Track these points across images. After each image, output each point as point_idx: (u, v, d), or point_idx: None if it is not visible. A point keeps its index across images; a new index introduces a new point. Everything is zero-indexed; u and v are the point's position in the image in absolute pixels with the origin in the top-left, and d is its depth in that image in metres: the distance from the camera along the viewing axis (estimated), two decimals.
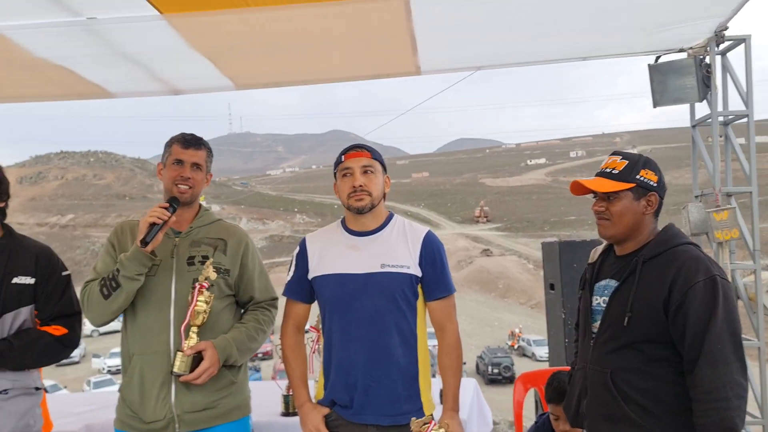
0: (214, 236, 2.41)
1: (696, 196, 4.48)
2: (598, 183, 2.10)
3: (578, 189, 2.17)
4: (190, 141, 2.41)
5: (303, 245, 2.36)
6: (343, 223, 2.35)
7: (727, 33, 4.05)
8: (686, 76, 4.17)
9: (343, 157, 2.29)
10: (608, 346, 2.08)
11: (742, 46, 4.12)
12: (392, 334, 2.19)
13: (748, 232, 4.16)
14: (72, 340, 2.40)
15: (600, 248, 2.30)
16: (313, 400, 2.32)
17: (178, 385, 2.25)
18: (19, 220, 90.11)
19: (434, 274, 2.25)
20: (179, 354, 2.20)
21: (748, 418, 4.28)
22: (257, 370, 32.86)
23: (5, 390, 2.26)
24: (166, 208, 2.24)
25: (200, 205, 2.51)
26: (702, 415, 1.90)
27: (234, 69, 4.20)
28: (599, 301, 2.15)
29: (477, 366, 34.09)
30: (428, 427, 2.04)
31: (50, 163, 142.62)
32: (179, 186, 2.36)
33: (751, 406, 4.33)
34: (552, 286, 4.85)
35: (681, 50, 4.25)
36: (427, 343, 2.29)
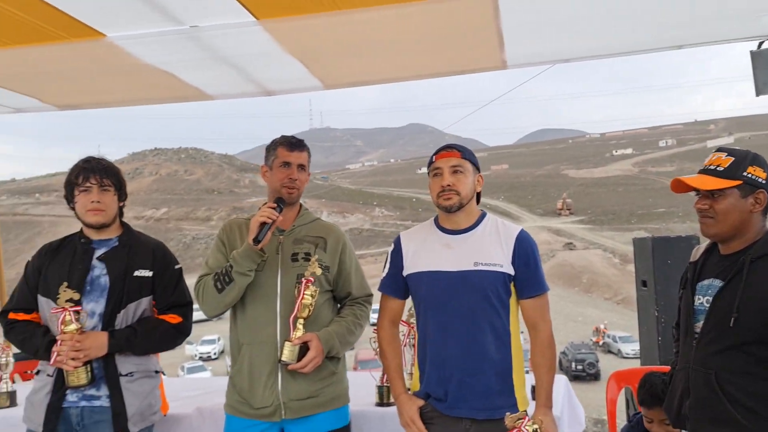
0: (314, 234, 2.54)
1: None
2: (701, 180, 2.05)
3: (679, 186, 2.13)
4: (294, 144, 2.55)
5: (398, 243, 2.43)
6: (437, 221, 2.40)
7: None
8: None
9: (434, 157, 2.35)
10: (712, 347, 2.03)
11: None
12: (486, 331, 2.23)
13: None
14: (186, 328, 2.60)
15: (702, 247, 2.24)
16: (408, 392, 2.40)
17: (285, 374, 2.38)
18: None
19: (527, 273, 2.27)
20: (287, 344, 2.33)
21: None
22: None
23: (130, 373, 2.48)
24: (273, 209, 2.38)
25: (301, 205, 2.64)
26: None
27: (323, 70, 4.33)
28: (702, 300, 2.10)
29: (560, 362, 33.33)
30: (522, 422, 2.07)
31: (145, 159, 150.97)
32: (287, 187, 2.49)
33: None
34: (644, 283, 4.71)
35: None
36: (521, 339, 2.31)
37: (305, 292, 2.34)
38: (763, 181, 2.05)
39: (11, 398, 3.18)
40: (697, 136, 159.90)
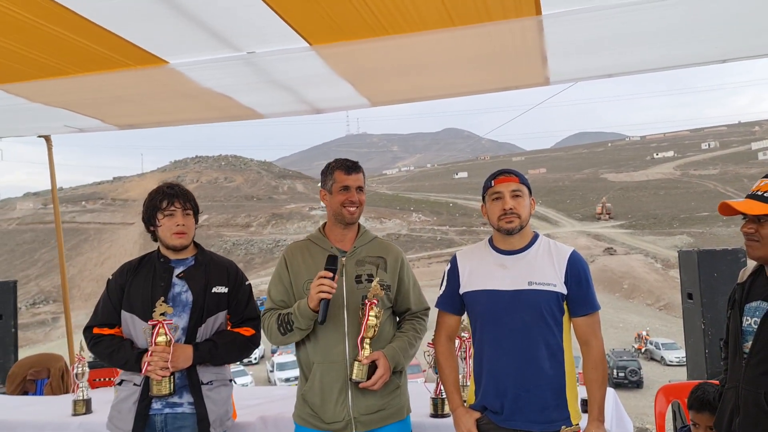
0: (374, 255, 2.66)
1: None
2: (747, 205, 2.13)
3: (727, 210, 2.20)
4: (350, 167, 2.69)
5: (454, 262, 2.55)
6: (491, 242, 2.51)
7: None
8: None
9: (492, 182, 2.46)
10: (761, 367, 2.10)
11: None
12: (540, 347, 2.33)
13: None
14: (258, 339, 2.79)
15: (750, 268, 2.31)
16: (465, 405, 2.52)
17: (354, 391, 2.52)
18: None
19: (579, 292, 2.36)
20: (356, 363, 2.46)
21: None
22: None
23: (210, 381, 2.68)
24: (331, 278, 2.44)
25: (359, 224, 2.77)
26: None
27: (371, 89, 4.50)
28: (750, 321, 2.17)
29: None
30: None
31: (187, 167, 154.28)
32: (348, 209, 2.62)
33: None
34: (690, 296, 4.71)
35: None
36: (573, 355, 2.41)
37: (370, 314, 2.46)
38: None
39: (87, 405, 3.41)
40: (741, 138, 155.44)
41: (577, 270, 2.38)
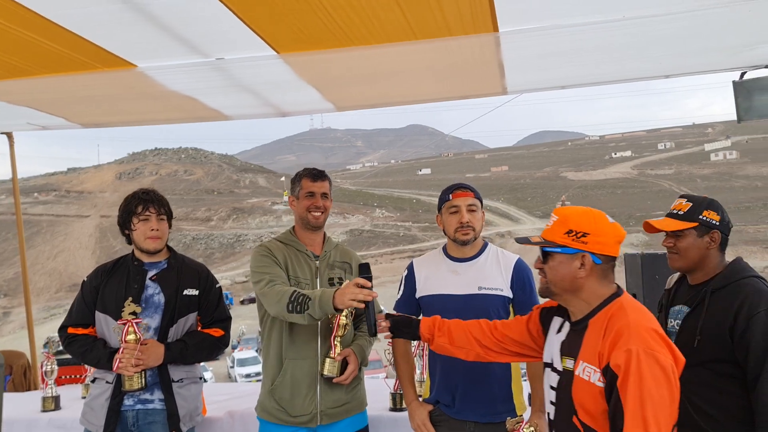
0: (341, 260, 2.85)
1: None
2: (665, 223, 2.41)
3: (650, 228, 2.47)
4: (316, 175, 2.88)
5: (411, 269, 2.73)
6: (445, 250, 2.70)
7: None
8: None
9: (450, 195, 2.64)
10: None
11: None
12: None
13: None
14: (227, 340, 2.92)
15: (675, 276, 2.57)
16: (419, 399, 2.72)
17: (323, 386, 2.68)
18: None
19: (524, 296, 2.58)
20: (329, 360, 2.63)
21: None
22: None
23: (181, 379, 2.80)
24: (368, 287, 2.40)
25: (323, 232, 2.95)
26: (761, 426, 2.14)
27: (336, 95, 4.64)
28: (673, 323, 2.44)
29: None
30: (521, 426, 2.38)
31: (146, 159, 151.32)
32: (313, 213, 2.79)
33: None
34: (634, 296, 5.01)
35: (766, 66, 4.32)
36: None
37: (341, 315, 2.62)
38: (717, 223, 2.39)
39: (56, 402, 3.48)
40: (695, 140, 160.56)
41: (521, 276, 2.59)
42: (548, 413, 2.06)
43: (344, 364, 2.67)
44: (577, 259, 1.92)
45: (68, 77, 4.03)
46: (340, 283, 2.73)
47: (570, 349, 1.94)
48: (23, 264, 6.00)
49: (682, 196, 2.53)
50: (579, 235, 1.92)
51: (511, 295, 2.57)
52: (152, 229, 2.82)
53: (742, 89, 4.42)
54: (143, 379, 2.68)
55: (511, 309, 2.60)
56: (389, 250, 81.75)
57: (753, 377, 2.18)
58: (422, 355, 3.02)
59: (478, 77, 4.37)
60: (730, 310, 2.24)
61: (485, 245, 2.70)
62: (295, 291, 2.56)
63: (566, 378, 1.92)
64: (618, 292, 1.95)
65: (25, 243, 5.98)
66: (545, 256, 1.99)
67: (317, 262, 2.82)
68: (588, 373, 1.83)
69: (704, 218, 2.41)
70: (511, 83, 4.47)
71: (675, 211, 2.46)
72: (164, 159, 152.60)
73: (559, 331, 2.04)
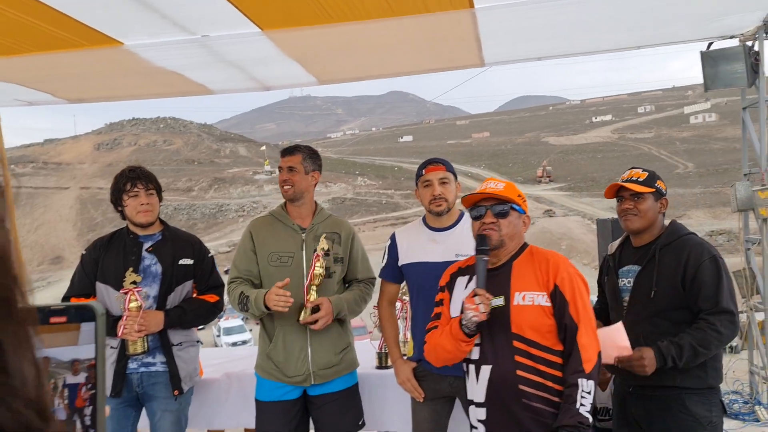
0: (330, 230, 2.99)
1: (744, 175, 4.79)
2: (635, 186, 2.66)
3: (611, 192, 2.68)
4: (285, 151, 3.04)
5: (394, 239, 2.93)
6: (424, 220, 2.90)
7: None
8: (736, 62, 4.45)
9: (423, 170, 2.84)
10: (640, 315, 2.64)
11: None
12: None
13: None
14: (222, 305, 3.11)
15: (615, 243, 2.85)
16: (404, 357, 2.93)
17: (314, 348, 2.88)
18: (98, 185, 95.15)
19: None
20: (304, 308, 2.82)
21: None
22: None
23: (180, 343, 2.99)
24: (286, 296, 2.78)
25: (316, 203, 3.09)
26: (704, 346, 2.47)
27: (318, 69, 4.76)
28: (625, 282, 2.71)
29: None
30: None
31: (123, 129, 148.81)
32: (283, 187, 2.97)
33: None
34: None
35: (732, 37, 4.52)
36: None
37: (316, 264, 2.80)
38: (665, 192, 2.74)
39: None
40: (675, 102, 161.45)
41: None
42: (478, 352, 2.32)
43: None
44: (522, 217, 2.38)
45: (56, 55, 4.11)
46: (327, 255, 2.90)
47: (497, 289, 2.26)
48: (15, 236, 6.08)
49: (634, 167, 2.81)
50: (524, 200, 2.39)
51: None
52: (142, 204, 2.98)
53: (709, 59, 4.62)
54: (146, 344, 2.87)
55: None
56: (372, 218, 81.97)
57: (706, 313, 2.49)
58: (405, 318, 3.22)
59: (456, 50, 4.50)
60: (679, 262, 2.55)
61: (462, 215, 2.89)
62: (241, 293, 2.87)
63: (499, 312, 2.25)
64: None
65: None
66: (502, 213, 2.33)
67: (303, 234, 2.97)
68: (531, 298, 2.23)
69: (658, 186, 2.73)
70: (488, 55, 4.61)
71: (635, 178, 2.72)
72: (142, 129, 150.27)
73: (466, 286, 2.39)
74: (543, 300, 2.24)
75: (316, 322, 2.80)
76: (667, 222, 2.77)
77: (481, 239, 2.32)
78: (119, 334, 2.83)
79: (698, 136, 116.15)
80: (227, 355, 4.05)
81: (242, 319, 38.43)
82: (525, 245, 2.40)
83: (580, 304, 2.22)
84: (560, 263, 2.31)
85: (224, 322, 37.69)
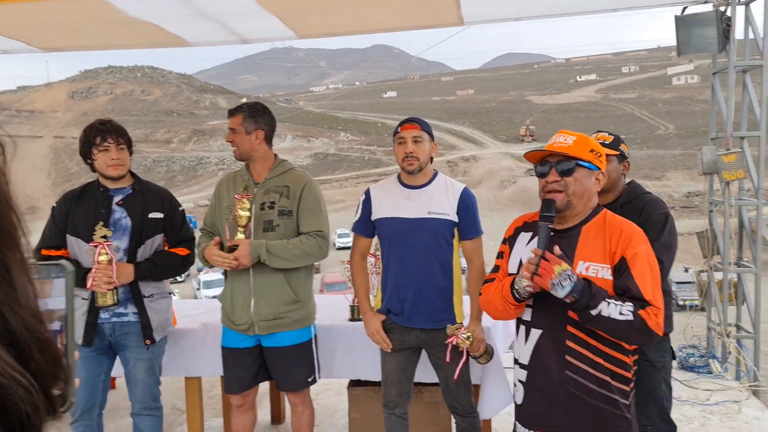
0: (281, 184, 3.01)
1: (712, 139, 4.92)
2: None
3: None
4: (229, 112, 3.07)
5: (368, 194, 3.00)
6: (399, 178, 2.97)
7: None
8: (708, 27, 4.51)
9: (399, 128, 2.89)
10: None
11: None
12: (434, 264, 2.84)
13: (755, 172, 4.62)
14: (193, 258, 3.17)
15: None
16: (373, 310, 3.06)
17: (257, 300, 2.95)
18: (73, 134, 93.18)
19: (467, 221, 2.87)
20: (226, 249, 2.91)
21: (742, 333, 4.91)
22: None
23: (151, 294, 3.07)
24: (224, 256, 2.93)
25: (276, 156, 3.10)
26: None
27: (298, 23, 4.74)
28: None
29: None
30: (459, 331, 2.75)
31: (99, 77, 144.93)
32: (232, 148, 3.04)
33: (746, 323, 4.96)
34: None
35: (705, 2, 4.57)
36: (460, 270, 2.95)
37: (239, 207, 2.87)
38: (627, 155, 2.97)
39: None
40: (658, 63, 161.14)
41: (466, 203, 2.88)
42: (525, 320, 2.21)
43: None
44: (594, 174, 2.15)
45: (30, 5, 4.05)
46: (272, 207, 2.95)
47: (571, 252, 2.11)
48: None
49: (599, 131, 2.89)
50: (598, 155, 2.16)
51: (456, 220, 2.86)
52: (113, 158, 2.99)
53: (683, 23, 4.68)
54: (115, 296, 2.93)
55: (456, 232, 2.89)
56: (354, 173, 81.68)
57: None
58: (378, 273, 3.31)
59: (435, 8, 4.51)
60: (635, 216, 2.67)
61: (435, 174, 2.96)
62: (199, 245, 3.05)
63: None
64: (600, 205, 2.22)
65: None
66: (568, 171, 2.13)
67: (255, 189, 3.01)
68: (594, 270, 2.06)
69: (622, 150, 2.89)
70: (467, 14, 4.63)
71: (601, 141, 2.84)
72: (119, 78, 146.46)
73: (528, 243, 2.25)
74: (607, 273, 2.07)
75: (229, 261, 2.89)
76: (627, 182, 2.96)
77: (544, 204, 2.15)
78: (88, 285, 2.89)
79: (680, 97, 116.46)
80: (205, 306, 4.16)
81: (222, 273, 38.67)
82: (599, 208, 2.19)
83: (649, 282, 2.03)
84: (634, 236, 2.09)
85: (204, 276, 37.78)
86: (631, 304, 2.01)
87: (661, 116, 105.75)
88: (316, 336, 3.17)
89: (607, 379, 2.08)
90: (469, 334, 2.78)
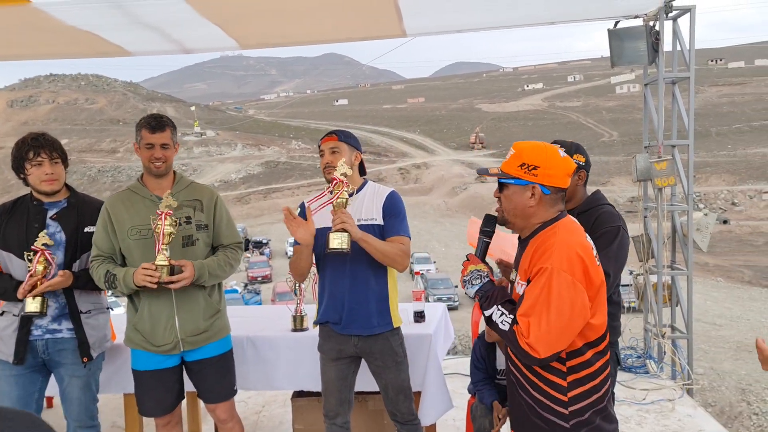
0: (191, 198, 2.96)
1: (645, 147, 5.12)
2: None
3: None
4: (155, 126, 2.92)
5: (302, 207, 3.00)
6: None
7: (675, 3, 4.58)
8: (639, 41, 4.71)
9: (320, 142, 2.97)
10: None
11: (688, 14, 4.65)
12: (368, 269, 2.87)
13: (685, 178, 4.84)
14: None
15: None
16: (312, 320, 3.06)
17: (180, 316, 2.89)
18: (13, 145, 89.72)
19: (390, 220, 2.89)
20: (161, 268, 2.73)
21: (677, 333, 5.11)
22: (257, 293, 34.29)
23: (89, 310, 2.99)
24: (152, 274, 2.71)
25: (174, 172, 3.04)
26: None
27: (239, 32, 4.71)
28: None
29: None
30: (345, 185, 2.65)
31: (40, 86, 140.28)
32: (155, 164, 2.89)
33: (680, 324, 5.16)
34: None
35: (636, 17, 4.77)
36: (395, 274, 2.98)
37: (165, 223, 2.72)
38: (583, 164, 3.01)
39: None
40: (602, 72, 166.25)
41: (390, 205, 2.91)
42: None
43: (178, 271, 2.78)
44: (528, 189, 2.09)
45: None
46: (189, 223, 2.90)
47: (516, 264, 2.18)
48: None
49: (555, 142, 2.92)
50: (530, 168, 2.08)
51: (382, 223, 2.90)
52: (46, 173, 2.91)
53: (616, 36, 4.87)
54: (45, 305, 2.81)
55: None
56: (306, 182, 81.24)
57: None
58: (312, 284, 3.28)
59: (377, 20, 4.56)
60: (588, 227, 2.65)
61: (365, 183, 3.01)
62: (107, 272, 2.84)
63: (511, 288, 2.23)
64: (559, 216, 2.14)
65: None
66: (501, 186, 2.17)
67: (160, 204, 2.86)
68: (521, 286, 2.07)
69: (577, 160, 2.91)
70: (409, 27, 4.69)
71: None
72: (61, 86, 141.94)
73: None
74: (522, 289, 2.07)
75: (174, 282, 2.78)
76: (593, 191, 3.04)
77: (484, 219, 2.28)
78: (20, 291, 2.80)
79: (623, 105, 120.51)
80: None
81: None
82: (553, 220, 2.13)
83: (531, 302, 1.98)
84: (554, 252, 2.00)
85: None
86: (512, 317, 2.04)
87: (605, 124, 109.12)
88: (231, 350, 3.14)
89: (542, 399, 2.09)
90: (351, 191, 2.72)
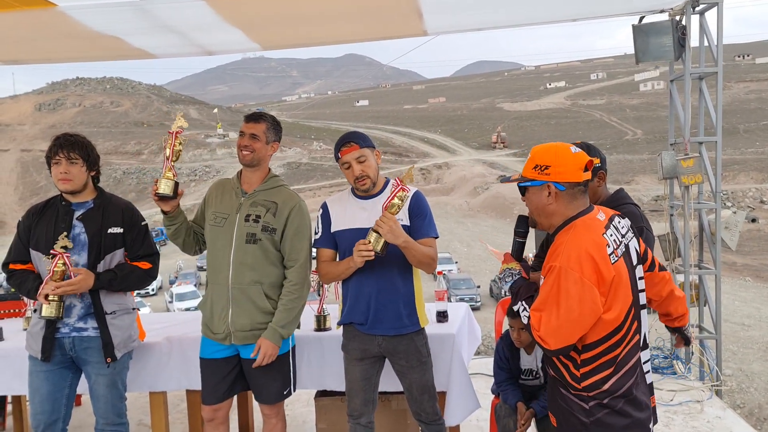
0: (269, 199, 3.02)
1: (671, 144, 5.03)
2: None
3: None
4: (250, 117, 3.07)
5: (325, 208, 2.99)
6: (353, 190, 2.98)
7: None
8: (665, 36, 4.63)
9: (339, 153, 2.89)
10: None
11: (715, 8, 4.56)
12: (394, 270, 2.86)
13: (713, 176, 4.75)
14: (155, 272, 3.13)
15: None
16: (336, 321, 3.06)
17: (234, 310, 2.95)
18: (41, 147, 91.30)
19: (417, 222, 2.88)
20: (163, 180, 2.94)
21: (704, 333, 5.02)
22: None
23: (114, 311, 3.03)
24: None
25: (270, 170, 3.11)
26: None
27: (262, 36, 4.75)
28: None
29: (491, 289, 35.00)
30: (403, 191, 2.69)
31: (67, 89, 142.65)
32: (242, 151, 3.01)
33: (708, 324, 5.06)
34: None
35: (662, 11, 4.70)
36: (420, 274, 2.96)
37: (175, 142, 2.92)
38: (600, 165, 2.93)
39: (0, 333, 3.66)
40: (626, 70, 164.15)
41: (416, 205, 2.89)
42: None
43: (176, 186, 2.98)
44: (544, 189, 2.19)
45: None
46: (257, 221, 2.96)
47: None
48: None
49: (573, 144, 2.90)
50: (543, 168, 2.18)
51: (409, 223, 2.88)
52: (61, 172, 2.97)
53: (641, 32, 4.80)
54: (61, 310, 2.87)
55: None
56: (327, 183, 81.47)
57: None
58: (335, 284, 3.26)
59: (397, 20, 4.56)
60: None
61: (387, 182, 2.98)
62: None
63: None
64: (579, 214, 2.19)
65: None
66: (522, 190, 2.28)
67: (242, 198, 3.03)
68: (543, 281, 2.16)
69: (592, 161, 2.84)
70: (430, 26, 4.68)
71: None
72: (87, 89, 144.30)
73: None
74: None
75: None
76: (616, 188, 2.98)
77: (517, 220, 2.43)
78: (38, 294, 2.86)
79: (647, 103, 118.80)
80: (170, 319, 4.11)
81: (194, 285, 38.08)
82: (574, 218, 2.19)
83: (542, 298, 2.10)
84: (564, 251, 2.09)
85: (177, 288, 37.28)
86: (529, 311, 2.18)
87: (629, 122, 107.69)
88: (294, 348, 3.16)
89: (557, 377, 2.22)
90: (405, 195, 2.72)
